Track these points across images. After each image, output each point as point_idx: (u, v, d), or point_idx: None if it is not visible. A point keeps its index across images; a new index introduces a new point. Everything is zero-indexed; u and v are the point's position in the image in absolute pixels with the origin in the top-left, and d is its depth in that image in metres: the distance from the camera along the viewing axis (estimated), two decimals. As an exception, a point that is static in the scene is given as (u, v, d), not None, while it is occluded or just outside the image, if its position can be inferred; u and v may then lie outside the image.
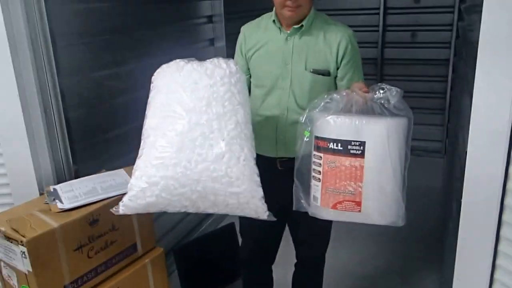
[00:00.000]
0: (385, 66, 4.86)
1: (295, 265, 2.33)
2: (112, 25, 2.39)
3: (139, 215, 1.91)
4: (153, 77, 1.73)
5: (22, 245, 1.57)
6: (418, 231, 3.38)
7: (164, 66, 1.72)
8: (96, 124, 2.30)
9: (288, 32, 1.92)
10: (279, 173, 1.97)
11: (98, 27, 2.29)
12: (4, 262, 1.71)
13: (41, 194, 1.91)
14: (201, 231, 3.40)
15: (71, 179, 2.00)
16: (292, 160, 1.84)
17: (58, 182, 1.94)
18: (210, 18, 3.40)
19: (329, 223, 2.11)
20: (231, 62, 1.68)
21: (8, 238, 1.61)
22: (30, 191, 1.90)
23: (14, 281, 1.71)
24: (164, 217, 2.88)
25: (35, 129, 1.88)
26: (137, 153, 2.53)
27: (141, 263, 1.98)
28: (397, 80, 4.82)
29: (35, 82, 1.84)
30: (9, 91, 1.80)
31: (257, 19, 2.08)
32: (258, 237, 2.17)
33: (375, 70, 4.85)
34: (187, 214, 3.23)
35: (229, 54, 3.47)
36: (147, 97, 2.66)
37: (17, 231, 1.60)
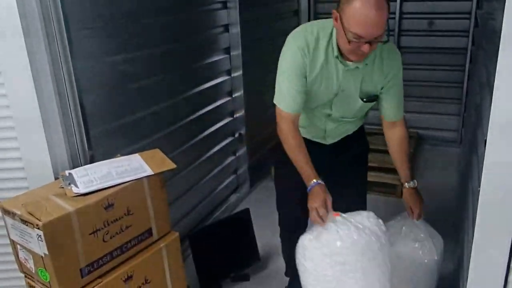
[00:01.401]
0: (401, 55, 4.79)
1: None
2: (126, 9, 2.36)
3: (154, 200, 1.91)
4: (305, 253, 1.85)
5: (38, 228, 1.56)
6: (433, 220, 3.34)
7: (321, 242, 1.78)
8: (111, 109, 2.28)
9: (349, 64, 1.86)
10: (325, 148, 2.12)
11: (112, 11, 2.26)
12: (21, 245, 1.70)
13: (56, 178, 1.89)
14: (216, 217, 3.39)
15: (86, 164, 1.99)
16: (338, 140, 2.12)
17: (73, 167, 1.93)
18: (225, 4, 3.36)
19: (363, 196, 2.29)
20: (379, 221, 1.80)
21: (24, 222, 1.61)
22: (45, 175, 1.89)
23: (30, 264, 1.71)
24: (179, 202, 2.89)
25: (50, 114, 1.86)
26: (152, 139, 2.55)
27: (156, 247, 1.96)
28: (414, 69, 4.77)
29: (49, 67, 1.82)
30: (23, 75, 1.78)
31: (313, 36, 1.84)
32: (296, 209, 2.15)
33: (390, 59, 4.78)
34: (202, 199, 3.25)
35: (244, 40, 3.45)
36: (163, 82, 2.68)
37: (32, 215, 1.59)
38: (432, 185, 3.93)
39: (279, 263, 2.65)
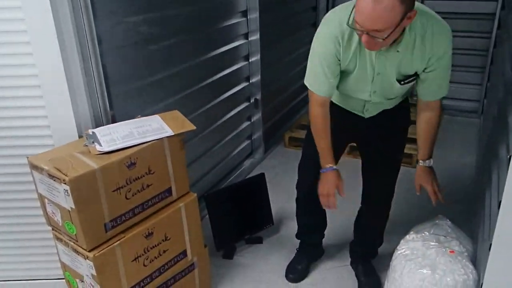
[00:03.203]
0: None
1: (360, 210, 2.53)
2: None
3: (173, 161, 2.05)
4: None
5: (65, 183, 1.70)
6: (451, 190, 3.45)
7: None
8: (131, 70, 2.40)
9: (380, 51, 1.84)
10: (362, 120, 2.17)
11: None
12: (48, 199, 1.86)
13: (80, 137, 2.03)
14: (230, 181, 3.55)
15: (108, 123, 2.12)
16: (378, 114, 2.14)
17: (96, 126, 2.07)
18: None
19: (392, 175, 2.33)
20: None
21: (52, 176, 1.75)
22: (69, 133, 2.03)
23: (57, 217, 1.87)
24: (194, 165, 3.02)
25: (73, 73, 1.97)
26: (169, 101, 2.66)
27: (176, 206, 2.12)
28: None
29: (72, 27, 1.92)
30: (48, 35, 1.89)
31: (344, 22, 1.78)
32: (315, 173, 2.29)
33: (413, 24, 4.78)
34: (217, 163, 3.38)
35: (262, 3, 3.51)
36: (181, 44, 2.77)
37: (59, 170, 1.73)
38: (450, 157, 4.03)
39: (292, 228, 2.80)
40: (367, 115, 2.17)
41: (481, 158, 3.44)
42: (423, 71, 1.90)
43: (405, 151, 3.77)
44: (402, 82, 1.94)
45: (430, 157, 2.14)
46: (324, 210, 2.60)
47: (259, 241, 2.94)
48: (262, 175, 2.96)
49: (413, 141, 3.96)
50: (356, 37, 1.83)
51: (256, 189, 2.94)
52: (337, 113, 2.13)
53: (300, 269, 2.67)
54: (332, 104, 2.12)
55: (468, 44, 4.65)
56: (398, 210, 3.15)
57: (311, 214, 2.59)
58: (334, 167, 2.07)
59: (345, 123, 2.12)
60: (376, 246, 2.61)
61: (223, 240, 2.81)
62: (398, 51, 1.82)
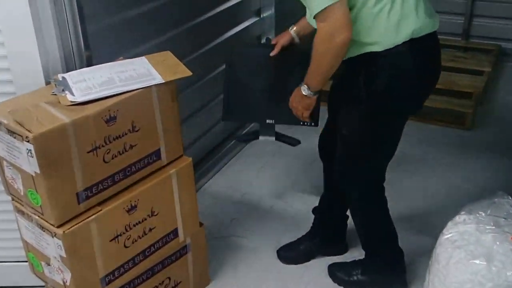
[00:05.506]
0: None
1: None
2: None
3: (163, 115, 2.03)
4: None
5: (28, 141, 1.68)
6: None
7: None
8: (114, 0, 2.37)
9: None
10: None
11: None
12: (7, 161, 1.85)
13: (48, 83, 2.02)
14: (234, 143, 3.56)
15: (82, 67, 2.10)
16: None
17: (67, 70, 2.04)
18: None
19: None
20: None
21: (12, 133, 1.74)
22: (34, 78, 2.01)
23: (18, 184, 1.87)
24: (190, 121, 3.02)
25: (40, 3, 1.94)
26: (161, 40, 2.63)
27: (165, 173, 2.12)
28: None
29: None
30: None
31: None
32: None
33: None
34: (218, 120, 3.38)
35: None
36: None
37: (21, 125, 1.71)
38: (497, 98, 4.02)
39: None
40: None
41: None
42: None
43: (456, 108, 3.80)
44: None
45: (306, 83, 2.12)
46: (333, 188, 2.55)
47: (292, 142, 2.92)
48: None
49: (463, 95, 3.96)
50: None
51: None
52: None
53: (301, 249, 2.69)
54: None
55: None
56: (447, 184, 3.13)
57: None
58: None
59: None
60: (365, 247, 2.51)
61: (234, 110, 2.71)
62: None
